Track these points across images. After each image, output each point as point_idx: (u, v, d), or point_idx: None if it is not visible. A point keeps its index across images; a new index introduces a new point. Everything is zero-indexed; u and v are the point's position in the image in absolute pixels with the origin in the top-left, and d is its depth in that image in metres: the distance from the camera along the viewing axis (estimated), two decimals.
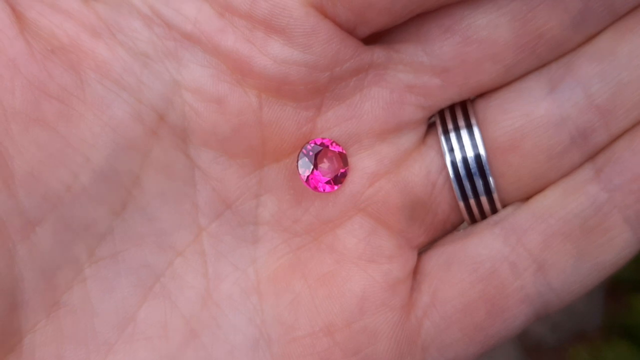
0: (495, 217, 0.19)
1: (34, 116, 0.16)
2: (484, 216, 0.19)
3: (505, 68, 0.18)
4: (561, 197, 0.19)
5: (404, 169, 0.19)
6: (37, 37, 0.17)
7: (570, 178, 0.19)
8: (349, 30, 0.18)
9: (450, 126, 0.19)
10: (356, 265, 0.19)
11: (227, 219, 0.19)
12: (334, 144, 0.18)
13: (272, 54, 0.17)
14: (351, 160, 0.19)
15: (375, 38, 0.19)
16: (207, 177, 0.18)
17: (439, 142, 0.19)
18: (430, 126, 0.20)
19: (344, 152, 0.19)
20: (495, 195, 0.19)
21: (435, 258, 0.19)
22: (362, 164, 0.19)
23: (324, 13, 0.17)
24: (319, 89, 0.18)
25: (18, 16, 0.17)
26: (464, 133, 0.19)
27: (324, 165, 0.18)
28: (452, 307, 0.19)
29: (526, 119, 0.18)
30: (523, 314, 0.19)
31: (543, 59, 0.18)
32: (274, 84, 0.18)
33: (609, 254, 0.18)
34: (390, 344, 0.18)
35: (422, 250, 0.20)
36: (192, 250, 0.18)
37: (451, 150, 0.19)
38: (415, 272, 0.19)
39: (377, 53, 0.18)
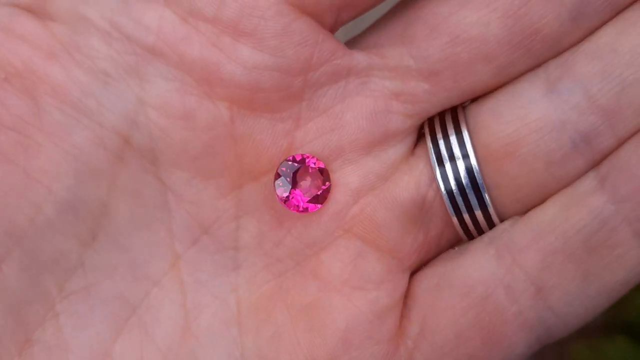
0: (490, 234, 0.18)
1: None
2: (480, 231, 0.18)
3: (498, 68, 0.17)
4: (562, 211, 0.17)
5: (391, 183, 0.18)
6: None
7: (571, 189, 0.17)
8: (330, 20, 0.17)
9: (439, 135, 0.17)
10: (340, 294, 0.17)
11: (204, 245, 0.18)
12: (313, 160, 0.17)
13: (241, 60, 0.16)
14: (334, 176, 0.18)
15: (356, 42, 0.18)
16: (181, 200, 0.17)
17: (427, 154, 0.18)
18: (420, 135, 0.18)
19: (324, 167, 0.17)
20: (490, 210, 0.17)
21: (426, 281, 0.18)
22: (346, 180, 0.18)
23: (301, 6, 0.16)
24: (294, 96, 0.17)
25: None
26: (454, 141, 0.17)
27: (304, 183, 0.17)
28: (443, 336, 0.17)
29: (521, 123, 0.17)
30: (523, 342, 0.17)
31: (539, 57, 0.17)
32: (245, 92, 0.17)
33: (618, 273, 0.17)
34: None
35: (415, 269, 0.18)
36: (169, 280, 0.18)
37: (441, 161, 0.17)
38: (406, 295, 0.18)
39: (357, 58, 0.17)
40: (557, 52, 0.17)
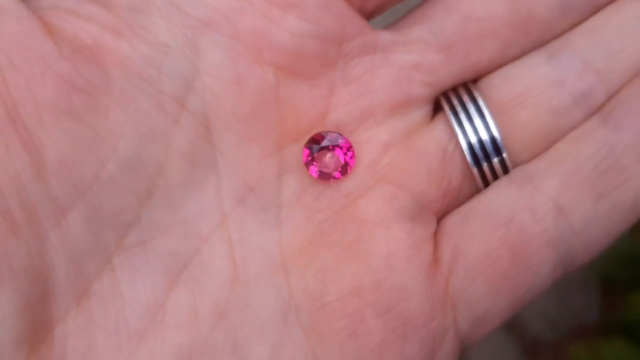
0: (507, 175, 0.20)
1: (64, 108, 0.17)
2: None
3: (502, 44, 0.20)
4: (571, 144, 0.19)
5: (416, 138, 0.20)
6: (63, 40, 0.18)
7: (577, 129, 0.19)
8: (358, 5, 0.20)
9: (455, 101, 0.20)
10: (379, 228, 0.19)
11: (250, 203, 0.19)
12: (336, 137, 0.19)
13: (288, 28, 0.19)
14: (365, 134, 0.20)
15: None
16: (230, 162, 0.19)
17: (445, 117, 0.20)
18: (437, 108, 0.21)
19: (346, 144, 0.19)
20: (505, 155, 0.19)
21: (452, 217, 0.20)
22: (377, 136, 0.20)
23: None
24: (330, 64, 0.20)
25: (45, 23, 0.18)
26: (469, 103, 0.20)
27: (327, 162, 0.19)
28: (473, 258, 0.19)
29: (527, 80, 0.20)
30: (549, 260, 0.19)
31: (536, 40, 0.20)
32: (290, 58, 0.19)
33: (628, 193, 0.19)
34: (422, 299, 0.18)
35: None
36: (218, 237, 0.19)
37: (458, 118, 0.20)
38: (436, 234, 0.20)
39: (382, 35, 0.20)
40: (552, 37, 0.20)
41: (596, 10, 0.20)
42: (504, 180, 0.20)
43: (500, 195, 0.19)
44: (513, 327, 0.43)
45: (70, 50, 0.17)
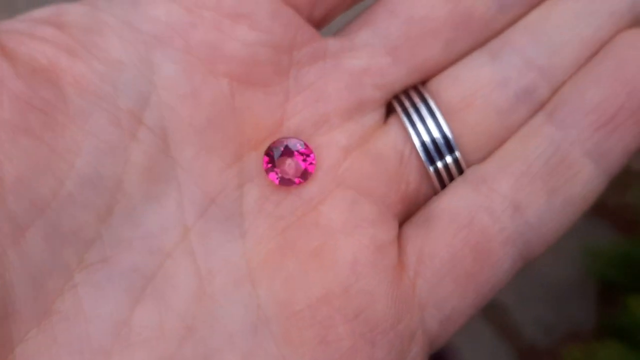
0: (461, 176, 0.20)
1: (21, 126, 0.17)
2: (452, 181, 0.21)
3: (445, 43, 0.20)
4: (520, 144, 0.20)
5: (373, 142, 0.20)
6: (18, 62, 0.18)
7: (524, 127, 0.20)
8: (307, 13, 0.20)
9: (407, 103, 0.21)
10: (343, 234, 0.19)
11: (212, 215, 0.19)
12: (294, 141, 0.20)
13: (240, 38, 0.19)
14: (323, 138, 0.20)
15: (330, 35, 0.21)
16: (189, 174, 0.19)
17: (399, 120, 0.21)
18: (389, 113, 0.21)
19: (307, 147, 0.20)
20: (458, 154, 0.20)
21: (415, 220, 0.20)
22: (335, 140, 0.20)
23: None
24: (283, 72, 0.20)
25: (1, 45, 0.18)
26: (420, 104, 0.20)
27: (288, 166, 0.20)
28: (440, 259, 0.19)
29: (472, 81, 0.20)
30: (509, 256, 0.19)
31: (477, 37, 0.21)
32: (243, 67, 0.19)
33: (577, 187, 0.19)
34: (388, 302, 0.19)
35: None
36: (181, 251, 0.19)
37: (411, 120, 0.20)
38: (399, 237, 0.20)
39: (330, 42, 0.21)
40: (492, 34, 0.21)
41: (533, 6, 0.21)
42: (459, 183, 0.20)
43: (458, 198, 0.20)
44: (508, 333, 0.43)
45: (25, 70, 0.18)
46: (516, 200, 0.19)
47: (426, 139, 0.20)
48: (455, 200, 0.20)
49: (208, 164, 0.19)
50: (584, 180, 0.19)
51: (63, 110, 0.18)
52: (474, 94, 0.20)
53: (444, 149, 0.20)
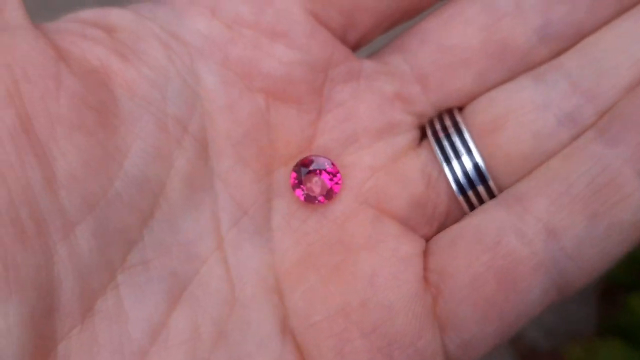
0: (495, 198, 0.19)
1: (76, 123, 0.17)
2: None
3: (477, 74, 0.20)
4: (563, 161, 0.18)
5: (401, 163, 0.20)
6: (71, 61, 0.18)
7: (569, 145, 0.19)
8: (340, 36, 0.20)
9: (438, 127, 0.20)
10: (364, 249, 0.19)
11: (244, 226, 0.19)
12: (322, 160, 0.20)
13: (277, 56, 0.20)
14: (351, 157, 0.20)
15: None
16: (225, 185, 0.19)
17: (429, 144, 0.20)
18: (423, 135, 0.21)
19: (334, 167, 0.20)
20: (491, 183, 0.19)
21: (441, 238, 0.20)
22: (361, 159, 0.20)
23: (319, 20, 0.20)
24: (317, 90, 0.20)
25: (54, 46, 0.18)
26: (452, 129, 0.20)
27: (314, 184, 0.20)
28: (459, 281, 0.18)
29: (509, 102, 0.19)
30: (539, 285, 0.18)
31: (514, 68, 0.20)
32: (279, 84, 0.20)
33: (626, 212, 0.17)
34: (408, 317, 0.18)
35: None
36: (216, 259, 0.19)
37: (440, 143, 0.20)
38: (425, 254, 0.19)
39: (366, 63, 0.21)
40: (533, 65, 0.20)
41: (580, 38, 0.19)
42: (493, 202, 0.19)
43: (487, 217, 0.19)
44: None
45: (80, 70, 0.18)
46: (551, 224, 0.18)
47: (456, 168, 0.19)
48: (484, 220, 0.19)
49: (242, 176, 0.20)
50: (636, 204, 0.17)
51: (115, 111, 0.18)
52: (506, 115, 0.19)
53: (475, 178, 0.19)
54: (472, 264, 0.18)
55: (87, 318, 0.17)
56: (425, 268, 0.19)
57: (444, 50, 0.20)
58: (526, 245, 0.18)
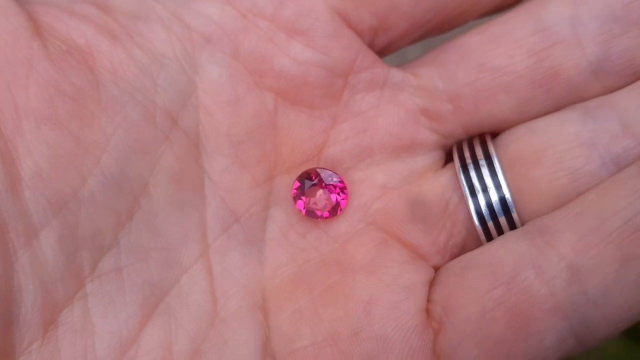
0: (518, 229, 0.17)
1: (46, 114, 0.16)
2: None
3: (519, 102, 0.18)
4: (599, 195, 0.16)
5: (416, 185, 0.18)
6: (52, 39, 0.16)
7: (607, 180, 0.17)
8: (369, 39, 0.19)
9: (466, 154, 0.18)
10: (364, 271, 0.17)
11: (234, 234, 0.18)
12: (331, 177, 0.18)
13: (293, 54, 0.18)
14: (362, 173, 0.19)
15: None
16: (217, 187, 0.18)
17: (454, 168, 0.18)
18: (449, 158, 0.19)
19: (341, 181, 0.18)
20: (515, 215, 0.17)
21: (451, 266, 0.18)
22: (372, 177, 0.19)
23: (346, 20, 0.18)
24: (334, 96, 0.19)
25: (34, 20, 0.16)
26: (481, 158, 0.18)
27: (317, 200, 0.18)
28: (465, 316, 0.16)
29: (551, 135, 0.17)
30: (555, 329, 0.16)
31: (560, 100, 0.18)
32: (292, 85, 0.18)
33: None
34: (404, 353, 0.16)
35: None
36: (199, 268, 0.17)
37: (466, 170, 0.18)
38: (432, 283, 0.18)
39: (393, 72, 0.19)
40: (578, 100, 0.18)
41: (637, 77, 0.17)
42: (514, 232, 0.17)
43: (505, 248, 0.17)
44: None
45: (58, 51, 0.16)
46: (576, 263, 0.16)
47: (481, 199, 0.18)
48: (501, 250, 0.17)
49: (238, 179, 0.18)
50: None
51: (95, 97, 0.16)
52: (547, 148, 0.17)
53: (498, 209, 0.17)
54: (482, 297, 0.16)
55: (50, 331, 0.16)
56: (429, 299, 0.17)
57: (485, 71, 0.18)
58: (545, 284, 0.16)
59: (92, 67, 0.16)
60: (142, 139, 0.17)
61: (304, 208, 0.18)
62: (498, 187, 0.18)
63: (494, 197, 0.18)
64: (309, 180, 0.18)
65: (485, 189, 0.18)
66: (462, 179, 0.18)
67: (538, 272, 0.16)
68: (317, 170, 0.18)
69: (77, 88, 0.16)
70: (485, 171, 0.18)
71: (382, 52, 0.20)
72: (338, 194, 0.18)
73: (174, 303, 0.17)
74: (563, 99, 0.18)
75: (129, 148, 0.16)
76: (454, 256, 0.18)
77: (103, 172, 0.16)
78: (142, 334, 0.16)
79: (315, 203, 0.18)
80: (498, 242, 0.17)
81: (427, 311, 0.17)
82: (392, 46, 0.20)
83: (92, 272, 0.16)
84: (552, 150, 0.17)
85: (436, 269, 0.18)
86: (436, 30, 0.19)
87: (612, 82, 0.18)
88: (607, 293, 0.15)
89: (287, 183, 0.19)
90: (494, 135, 0.19)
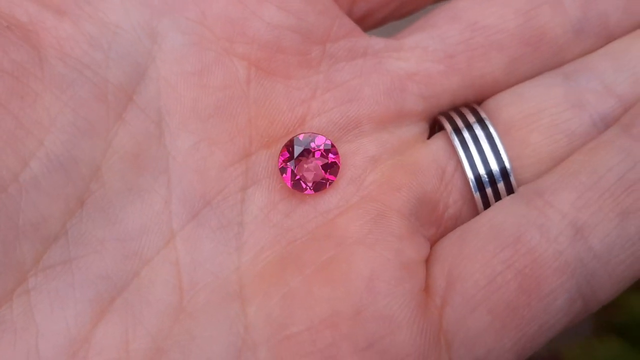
0: (513, 194, 0.17)
1: None
2: None
3: (510, 59, 0.18)
4: (588, 156, 0.16)
5: (409, 154, 0.18)
6: None
7: (593, 140, 0.17)
8: (347, 6, 0.18)
9: (459, 123, 0.18)
10: (362, 245, 0.16)
11: (205, 219, 0.16)
12: (322, 142, 0.17)
13: (266, 17, 0.17)
14: (350, 145, 0.17)
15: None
16: (184, 168, 0.16)
17: (444, 136, 0.18)
18: (433, 131, 0.19)
19: (333, 146, 0.17)
20: (512, 180, 0.17)
21: (448, 239, 0.17)
22: (364, 148, 0.17)
23: None
24: (311, 65, 0.18)
25: None
26: (475, 124, 0.18)
27: (308, 168, 0.17)
28: (474, 283, 0.15)
29: (542, 99, 0.18)
30: (564, 289, 0.15)
31: (546, 61, 0.18)
32: (266, 51, 0.17)
33: None
34: (412, 333, 0.15)
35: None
36: (163, 259, 0.16)
37: (461, 138, 0.17)
38: (428, 259, 0.17)
39: (374, 40, 0.18)
40: (562, 61, 0.18)
41: (610, 39, 0.18)
42: (509, 197, 0.17)
43: (504, 212, 0.16)
44: None
45: None
46: (579, 220, 0.16)
47: (480, 167, 0.17)
48: (500, 214, 0.16)
49: (208, 158, 0.16)
50: None
51: (38, 75, 0.15)
52: (541, 112, 0.17)
53: (497, 176, 0.17)
54: (489, 261, 0.16)
55: None
56: (429, 275, 0.16)
57: (477, 29, 0.18)
58: (550, 243, 0.16)
59: (35, 44, 0.15)
60: (92, 119, 0.15)
61: (291, 180, 0.16)
62: (496, 152, 0.17)
63: (492, 161, 0.17)
64: (298, 146, 0.17)
65: (481, 152, 0.17)
66: (456, 144, 0.17)
67: (542, 232, 0.16)
68: (306, 135, 0.17)
69: (17, 65, 0.15)
70: (480, 133, 0.17)
71: (363, 22, 0.19)
72: (329, 164, 0.17)
73: (132, 298, 0.15)
74: (548, 60, 0.18)
75: (77, 129, 0.15)
76: (448, 227, 0.17)
77: (47, 155, 0.15)
78: (95, 332, 0.15)
79: (303, 175, 0.16)
80: (494, 208, 0.17)
81: (427, 289, 0.16)
82: (373, 17, 0.19)
83: (35, 265, 0.15)
84: (545, 114, 0.17)
85: (431, 240, 0.17)
86: (419, 2, 0.19)
87: (590, 44, 0.18)
88: (611, 247, 0.16)
89: (267, 159, 0.17)
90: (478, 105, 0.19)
